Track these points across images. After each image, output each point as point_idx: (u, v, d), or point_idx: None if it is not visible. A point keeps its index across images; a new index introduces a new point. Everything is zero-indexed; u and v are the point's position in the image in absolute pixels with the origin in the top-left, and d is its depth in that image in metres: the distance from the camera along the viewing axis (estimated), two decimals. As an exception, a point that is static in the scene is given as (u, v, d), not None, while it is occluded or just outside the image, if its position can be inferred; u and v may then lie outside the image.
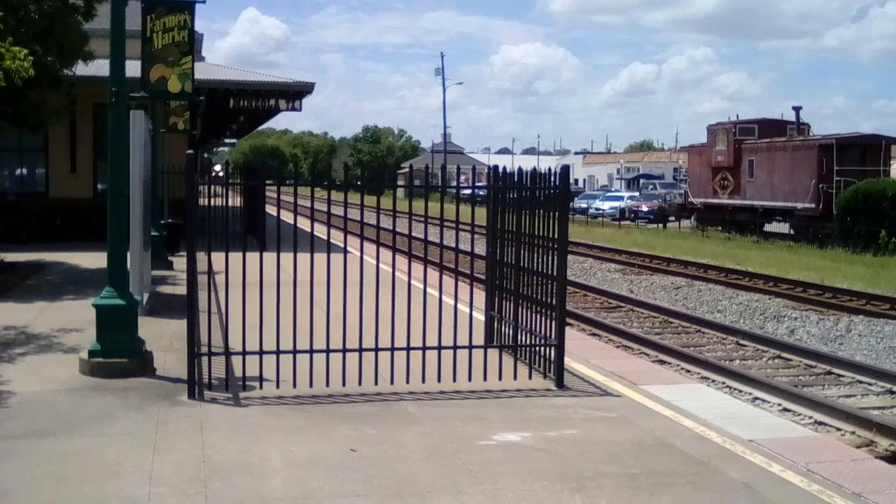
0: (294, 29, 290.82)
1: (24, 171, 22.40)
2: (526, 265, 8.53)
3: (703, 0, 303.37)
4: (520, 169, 8.63)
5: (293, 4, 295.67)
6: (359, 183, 9.23)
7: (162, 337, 9.66)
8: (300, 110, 22.85)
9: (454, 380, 7.91)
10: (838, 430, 9.49)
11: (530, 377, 8.32)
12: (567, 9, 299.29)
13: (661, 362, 12.53)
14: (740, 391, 11.06)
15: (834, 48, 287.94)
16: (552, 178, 8.24)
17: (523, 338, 8.59)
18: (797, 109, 39.66)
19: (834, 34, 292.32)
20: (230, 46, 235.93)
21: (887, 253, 28.82)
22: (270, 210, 21.76)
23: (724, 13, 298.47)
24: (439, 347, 7.93)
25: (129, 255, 8.85)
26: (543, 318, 8.29)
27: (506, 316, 8.87)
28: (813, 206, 34.10)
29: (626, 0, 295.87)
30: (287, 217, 15.39)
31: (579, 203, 58.15)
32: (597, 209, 56.22)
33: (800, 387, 11.32)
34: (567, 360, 8.39)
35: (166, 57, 12.59)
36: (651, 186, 62.94)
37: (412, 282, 8.08)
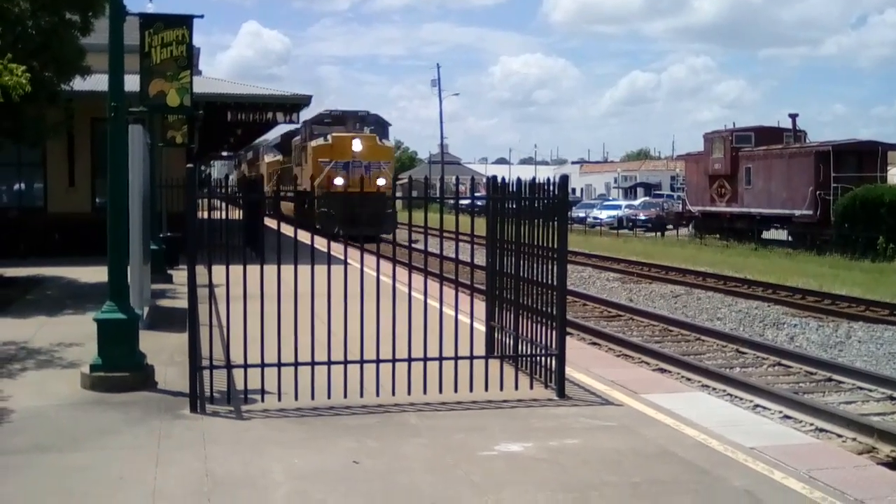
0: (295, 42, 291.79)
1: (23, 185, 22.43)
2: (526, 275, 8.54)
3: (703, 9, 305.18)
4: (519, 179, 8.65)
5: (293, 17, 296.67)
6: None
7: (163, 350, 9.66)
8: (298, 123, 22.86)
9: (455, 390, 7.91)
10: (839, 436, 9.50)
11: (531, 387, 8.32)
12: (567, 19, 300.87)
13: (662, 371, 12.54)
14: (741, 399, 11.06)
15: (833, 55, 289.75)
16: (551, 188, 8.26)
17: (524, 348, 8.60)
18: (794, 117, 39.66)
19: (833, 41, 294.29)
20: (232, 59, 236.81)
21: (885, 259, 28.85)
22: (270, 223, 21.76)
23: (724, 22, 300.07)
24: (440, 358, 7.93)
25: (129, 268, 8.86)
26: (544, 328, 8.29)
27: (506, 326, 8.88)
28: (810, 213, 34.12)
29: (626, 10, 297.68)
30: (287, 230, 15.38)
31: (577, 212, 58.19)
32: (595, 218, 56.30)
33: (800, 394, 11.33)
34: (568, 370, 8.39)
35: (165, 71, 12.63)
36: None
37: (412, 293, 8.09)
